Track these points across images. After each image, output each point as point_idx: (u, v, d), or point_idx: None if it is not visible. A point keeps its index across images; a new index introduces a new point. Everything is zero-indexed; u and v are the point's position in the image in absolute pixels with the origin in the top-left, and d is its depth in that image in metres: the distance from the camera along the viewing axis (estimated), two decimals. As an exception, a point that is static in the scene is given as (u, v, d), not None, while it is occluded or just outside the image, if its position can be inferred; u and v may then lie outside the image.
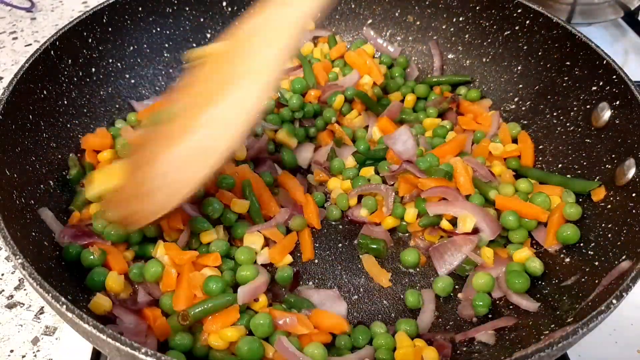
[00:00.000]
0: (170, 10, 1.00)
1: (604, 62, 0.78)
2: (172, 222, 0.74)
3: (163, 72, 1.01)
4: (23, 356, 0.74)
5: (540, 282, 0.73)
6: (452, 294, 0.74)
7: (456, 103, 0.96)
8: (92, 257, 0.70)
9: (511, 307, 0.72)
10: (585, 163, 0.80)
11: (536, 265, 0.73)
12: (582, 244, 0.73)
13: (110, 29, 0.91)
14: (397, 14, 1.08)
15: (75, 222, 0.76)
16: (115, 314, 0.66)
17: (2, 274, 0.84)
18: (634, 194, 0.69)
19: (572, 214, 0.75)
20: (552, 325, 0.64)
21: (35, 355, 0.74)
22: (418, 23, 1.07)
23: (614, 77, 0.77)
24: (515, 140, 0.90)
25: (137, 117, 0.92)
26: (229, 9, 1.06)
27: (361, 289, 0.76)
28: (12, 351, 0.74)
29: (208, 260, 0.72)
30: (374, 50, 1.08)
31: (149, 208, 0.64)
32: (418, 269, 0.78)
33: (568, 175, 0.82)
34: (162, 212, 0.64)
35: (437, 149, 0.86)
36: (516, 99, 0.96)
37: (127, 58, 0.96)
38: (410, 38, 1.09)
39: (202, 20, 1.04)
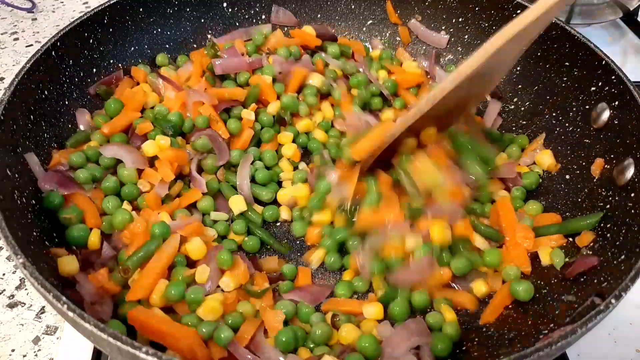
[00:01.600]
0: (171, 11, 1.00)
1: (603, 62, 0.79)
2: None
3: (164, 73, 1.02)
4: (24, 355, 0.74)
5: (539, 281, 0.73)
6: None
7: None
8: (70, 218, 0.72)
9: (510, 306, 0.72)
10: (584, 163, 0.81)
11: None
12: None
13: (111, 30, 0.92)
14: (397, 14, 1.09)
15: (55, 164, 0.77)
16: (76, 279, 0.66)
17: (3, 274, 0.84)
18: (632, 194, 0.69)
19: (520, 292, 0.70)
20: (551, 325, 0.64)
21: (36, 355, 0.74)
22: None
23: (613, 77, 0.77)
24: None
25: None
26: (230, 10, 1.06)
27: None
28: (13, 350, 0.74)
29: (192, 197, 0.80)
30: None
31: None
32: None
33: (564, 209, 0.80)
34: None
35: None
36: (515, 99, 0.96)
37: (128, 59, 0.97)
38: (410, 37, 1.09)
39: (202, 21, 1.05)
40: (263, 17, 1.09)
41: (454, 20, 1.03)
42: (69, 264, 0.66)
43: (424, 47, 1.08)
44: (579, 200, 0.79)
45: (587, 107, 0.82)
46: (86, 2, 1.47)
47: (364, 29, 1.11)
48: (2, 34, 1.34)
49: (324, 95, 0.99)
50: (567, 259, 0.73)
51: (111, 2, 0.90)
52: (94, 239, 0.71)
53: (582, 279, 0.68)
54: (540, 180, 0.86)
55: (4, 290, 0.82)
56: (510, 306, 0.72)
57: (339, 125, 0.95)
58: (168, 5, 0.99)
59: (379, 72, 1.02)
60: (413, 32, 1.08)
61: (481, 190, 0.81)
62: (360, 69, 1.01)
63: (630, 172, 0.71)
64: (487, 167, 0.80)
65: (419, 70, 1.03)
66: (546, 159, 0.86)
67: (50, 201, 0.72)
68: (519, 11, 0.93)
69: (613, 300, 0.54)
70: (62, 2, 1.47)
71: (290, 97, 0.93)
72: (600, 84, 0.80)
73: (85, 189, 0.76)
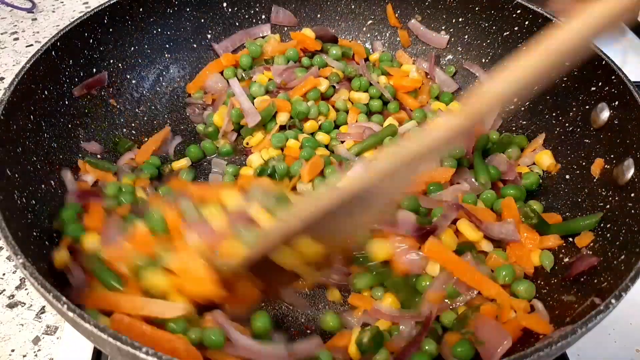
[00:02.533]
0: (171, 11, 1.00)
1: (603, 62, 0.79)
2: None
3: (164, 73, 1.02)
4: (24, 356, 0.74)
5: (539, 281, 0.73)
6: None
7: None
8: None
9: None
10: (584, 163, 0.81)
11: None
12: (580, 244, 0.74)
13: (111, 30, 0.92)
14: (396, 16, 1.09)
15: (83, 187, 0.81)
16: (70, 267, 0.67)
17: (4, 274, 0.84)
18: (632, 194, 0.69)
19: (522, 292, 0.70)
20: (551, 325, 0.64)
21: (36, 355, 0.74)
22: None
23: (613, 77, 0.77)
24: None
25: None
26: (230, 10, 1.06)
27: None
28: (13, 350, 0.74)
29: None
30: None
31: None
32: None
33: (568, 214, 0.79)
34: None
35: None
36: (515, 100, 0.95)
37: (128, 59, 0.97)
38: (409, 39, 1.09)
39: (202, 21, 1.05)
40: (263, 17, 1.09)
41: (454, 20, 1.03)
42: (61, 256, 0.67)
43: (424, 48, 1.08)
44: (579, 200, 0.79)
45: (587, 107, 0.82)
46: (86, 2, 1.47)
47: (364, 29, 1.11)
48: (2, 33, 1.34)
49: (325, 97, 0.99)
50: (567, 259, 0.73)
51: (111, 2, 0.90)
52: (88, 239, 0.71)
53: (582, 279, 0.68)
54: (540, 180, 0.86)
55: (4, 290, 0.82)
56: (510, 306, 0.72)
57: (341, 136, 0.95)
58: (168, 5, 0.99)
59: (379, 77, 1.03)
60: (413, 33, 1.08)
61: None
62: (361, 72, 1.01)
63: (630, 172, 0.71)
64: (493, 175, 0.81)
65: (416, 76, 1.03)
66: (546, 159, 0.86)
67: (67, 210, 0.74)
68: (518, 11, 0.93)
69: (613, 301, 0.54)
70: (62, 2, 1.47)
71: (304, 104, 0.94)
72: (600, 84, 0.80)
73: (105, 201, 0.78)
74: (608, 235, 0.70)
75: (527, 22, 0.92)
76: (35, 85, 0.77)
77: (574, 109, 0.85)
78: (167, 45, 1.02)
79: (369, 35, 1.11)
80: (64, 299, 0.51)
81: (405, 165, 0.54)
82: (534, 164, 0.88)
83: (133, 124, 0.95)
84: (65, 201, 0.77)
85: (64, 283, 0.66)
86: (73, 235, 0.71)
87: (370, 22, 1.11)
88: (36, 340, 0.76)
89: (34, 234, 0.67)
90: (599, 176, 0.77)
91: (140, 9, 0.95)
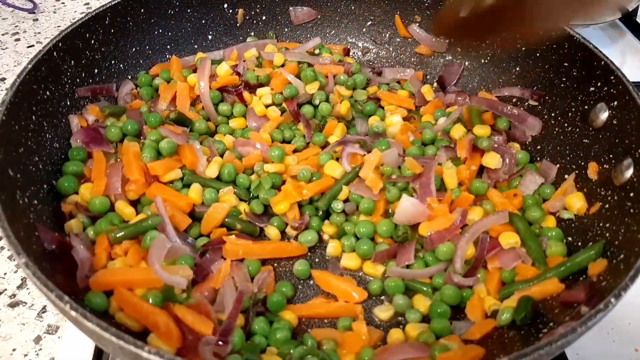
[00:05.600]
0: (172, 12, 1.01)
1: (602, 63, 0.79)
2: None
3: (164, 73, 1.02)
4: (25, 355, 0.74)
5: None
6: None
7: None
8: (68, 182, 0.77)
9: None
10: (582, 163, 0.81)
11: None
12: (580, 244, 0.74)
13: (112, 31, 0.92)
14: (406, 30, 1.09)
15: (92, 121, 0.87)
16: (73, 244, 0.69)
17: (5, 273, 0.84)
18: (631, 194, 0.70)
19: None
20: (551, 324, 0.64)
21: (37, 354, 0.74)
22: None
23: (612, 77, 0.77)
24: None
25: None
26: (230, 11, 1.07)
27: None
28: (14, 350, 0.75)
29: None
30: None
31: None
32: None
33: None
34: None
35: None
36: (514, 100, 0.96)
37: (129, 59, 0.97)
38: (409, 40, 1.10)
39: (203, 22, 1.05)
40: (264, 17, 1.09)
41: (453, 21, 1.04)
42: (75, 225, 0.73)
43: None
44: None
45: (586, 107, 0.82)
46: (87, 3, 1.47)
47: (364, 29, 1.12)
48: (3, 34, 1.34)
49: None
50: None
51: (112, 3, 0.91)
52: (84, 190, 0.77)
53: (581, 279, 0.68)
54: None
55: (6, 289, 0.82)
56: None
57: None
58: (169, 6, 1.00)
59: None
60: (413, 37, 1.08)
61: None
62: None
63: (629, 172, 0.71)
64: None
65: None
66: (577, 202, 0.77)
67: (73, 154, 0.80)
68: (518, 12, 0.93)
69: (612, 300, 0.54)
70: (64, 3, 1.47)
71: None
72: (599, 84, 0.80)
73: (112, 149, 0.82)
74: (607, 234, 0.70)
75: (526, 23, 0.92)
76: (37, 85, 0.77)
77: (573, 109, 0.85)
78: (168, 46, 1.02)
79: (368, 36, 1.12)
80: (66, 297, 0.52)
81: None
82: (564, 208, 0.79)
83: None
84: (73, 144, 0.82)
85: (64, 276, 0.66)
86: (68, 189, 0.76)
87: (369, 22, 1.11)
88: (37, 340, 0.76)
89: (36, 233, 0.67)
90: (597, 177, 0.77)
91: (142, 10, 0.96)
